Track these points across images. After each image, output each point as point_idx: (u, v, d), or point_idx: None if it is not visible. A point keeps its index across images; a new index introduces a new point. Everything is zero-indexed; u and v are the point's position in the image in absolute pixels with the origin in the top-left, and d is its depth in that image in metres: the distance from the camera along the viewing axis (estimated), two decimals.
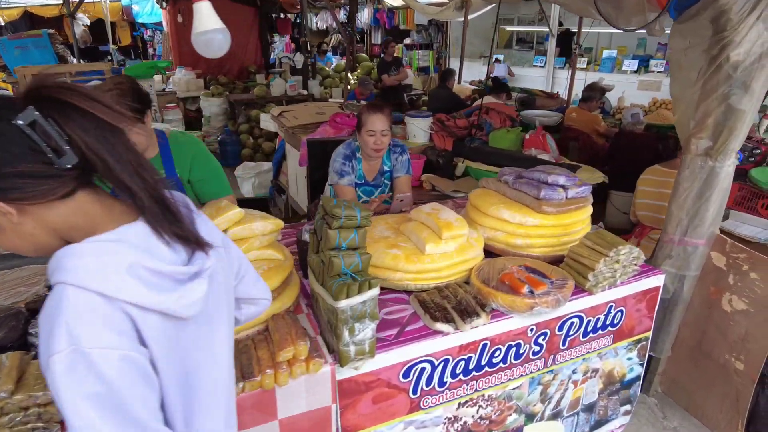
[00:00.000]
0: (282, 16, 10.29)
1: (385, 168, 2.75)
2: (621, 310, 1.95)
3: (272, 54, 10.14)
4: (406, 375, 1.59)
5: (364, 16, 11.47)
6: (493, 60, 10.45)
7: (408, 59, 11.03)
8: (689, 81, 2.16)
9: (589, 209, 2.10)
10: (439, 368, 1.64)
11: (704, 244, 2.29)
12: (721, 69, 2.04)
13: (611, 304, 1.90)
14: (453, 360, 1.65)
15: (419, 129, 3.89)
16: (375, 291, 1.42)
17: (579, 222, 2.05)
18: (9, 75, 6.45)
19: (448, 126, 3.88)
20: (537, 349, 1.80)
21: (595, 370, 2.02)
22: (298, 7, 9.52)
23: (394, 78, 7.07)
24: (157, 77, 8.29)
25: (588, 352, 1.95)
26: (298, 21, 9.27)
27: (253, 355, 1.40)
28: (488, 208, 2.10)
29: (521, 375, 1.82)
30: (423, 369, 1.61)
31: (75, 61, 6.52)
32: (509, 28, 11.50)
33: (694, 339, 2.41)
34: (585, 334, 1.90)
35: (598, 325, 1.92)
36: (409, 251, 1.83)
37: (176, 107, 6.08)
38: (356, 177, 2.70)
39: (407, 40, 11.97)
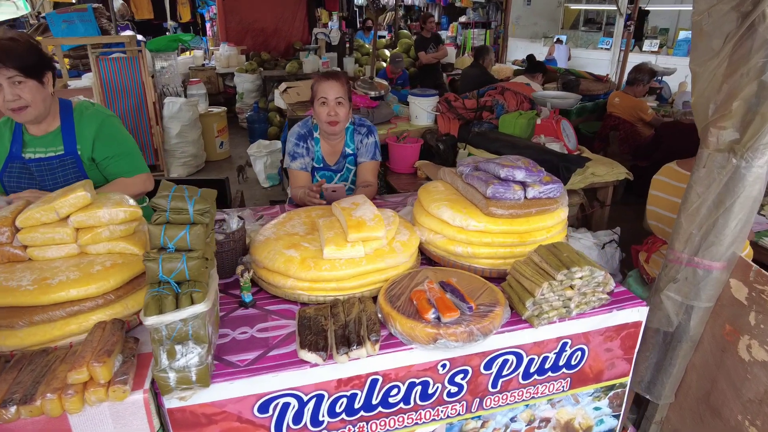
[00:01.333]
0: None
1: (348, 150, 2.39)
2: (581, 349, 1.50)
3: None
4: (263, 410, 1.27)
5: None
6: (554, 40, 9.62)
7: (463, 38, 10.41)
8: (711, 50, 1.61)
9: (560, 214, 1.65)
10: (311, 405, 1.30)
11: (721, 269, 1.75)
12: (755, 32, 1.49)
13: (565, 340, 1.46)
14: (329, 396, 1.30)
15: (421, 109, 3.47)
16: (198, 308, 1.11)
17: (541, 230, 1.61)
18: (58, 48, 6.66)
19: (455, 107, 3.43)
20: (454, 390, 1.41)
21: (546, 420, 1.59)
22: None
23: (432, 56, 6.58)
24: (199, 52, 8.35)
25: (533, 397, 1.52)
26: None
27: (49, 372, 1.13)
28: (430, 204, 1.71)
29: (433, 419, 1.44)
30: (287, 404, 1.28)
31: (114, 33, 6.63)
32: (575, 7, 10.51)
33: (701, 389, 1.88)
34: (527, 375, 1.47)
35: (547, 366, 1.48)
36: (309, 254, 1.49)
37: (199, 81, 5.99)
38: (314, 160, 2.36)
39: (463, 18, 11.29)
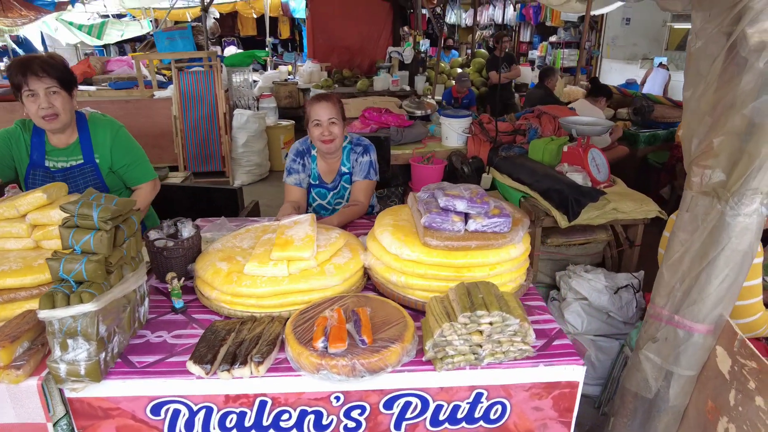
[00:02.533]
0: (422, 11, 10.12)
1: (344, 169, 2.40)
2: (501, 403, 1.36)
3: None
4: (155, 412, 1.32)
5: (509, 13, 10.69)
6: (657, 63, 8.89)
7: (552, 58, 9.99)
8: (698, 76, 1.42)
9: (508, 251, 1.52)
10: (201, 415, 1.32)
11: (704, 332, 1.50)
12: (737, 55, 1.29)
13: (480, 391, 1.34)
14: (218, 410, 1.32)
15: (452, 131, 3.39)
16: (84, 308, 1.19)
17: (482, 266, 1.50)
18: (161, 62, 7.49)
19: (487, 129, 3.30)
20: (352, 425, 1.35)
21: None
22: (434, 1, 9.28)
23: (504, 75, 6.40)
24: (284, 68, 8.88)
25: None
26: (437, 16, 9.01)
27: None
28: (377, 228, 1.67)
29: None
30: (178, 411, 1.32)
31: (208, 48, 7.31)
32: (682, 26, 9.61)
33: None
34: (436, 422, 1.37)
35: (460, 416, 1.37)
36: (237, 269, 1.53)
37: (271, 95, 6.37)
38: (311, 177, 2.41)
39: (553, 38, 10.83)
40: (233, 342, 1.34)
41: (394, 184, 3.30)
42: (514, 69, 6.45)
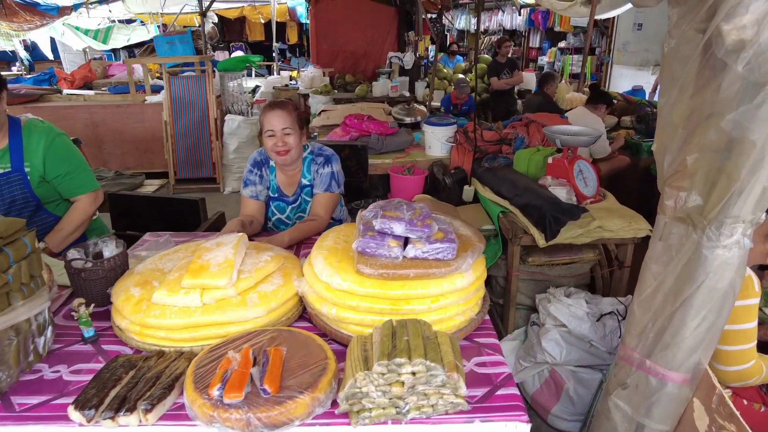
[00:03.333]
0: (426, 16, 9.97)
1: (304, 181, 2.24)
2: None
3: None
4: None
5: (517, 18, 10.47)
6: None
7: (561, 64, 9.74)
8: (672, 81, 1.22)
9: (453, 281, 1.34)
10: None
11: (679, 382, 1.30)
12: (713, 56, 1.09)
13: None
14: None
15: (436, 140, 3.21)
16: None
17: (422, 298, 1.32)
18: (161, 66, 7.44)
19: (472, 139, 3.12)
20: None
21: None
22: (439, 6, 9.11)
23: (505, 81, 6.21)
24: (285, 73, 8.78)
25: None
26: (434, 21, 8.83)
27: None
28: (314, 250, 1.50)
29: None
30: None
31: (207, 53, 7.23)
32: None
33: None
34: None
35: None
36: (150, 295, 1.37)
37: (264, 101, 6.25)
38: (269, 189, 2.26)
39: (562, 44, 10.57)
40: (128, 383, 1.18)
41: (373, 196, 3.13)
42: (516, 75, 6.24)
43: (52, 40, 10.64)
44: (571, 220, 2.19)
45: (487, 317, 1.53)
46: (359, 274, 1.33)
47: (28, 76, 7.88)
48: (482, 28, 12.37)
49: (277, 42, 11.23)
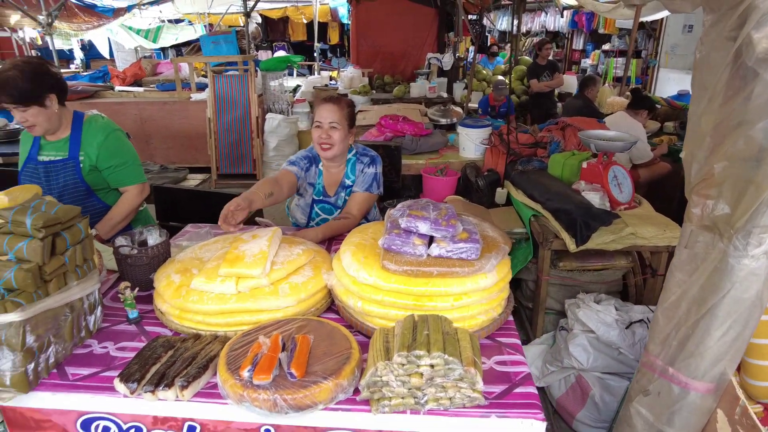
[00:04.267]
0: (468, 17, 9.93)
1: (347, 182, 2.29)
2: None
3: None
4: (85, 427, 1.27)
5: (560, 20, 10.27)
6: None
7: (604, 67, 9.50)
8: (703, 89, 1.22)
9: (476, 281, 1.37)
10: None
11: (703, 392, 1.29)
12: (743, 64, 1.09)
13: None
14: (148, 431, 1.25)
15: (470, 141, 3.22)
16: (10, 317, 1.16)
17: (444, 296, 1.36)
18: (206, 65, 7.72)
19: (507, 141, 3.12)
20: None
21: None
22: (479, 7, 9.06)
23: (545, 84, 6.13)
24: (325, 73, 8.93)
25: None
26: (474, 23, 8.80)
27: None
28: (342, 246, 1.57)
29: None
30: (107, 429, 1.27)
31: (250, 52, 7.45)
32: None
33: None
34: None
35: None
36: (189, 282, 1.46)
37: (304, 100, 6.39)
38: (315, 192, 2.31)
39: (606, 46, 10.30)
40: (167, 361, 1.27)
41: (405, 196, 3.17)
42: (557, 77, 6.15)
43: (109, 39, 11.19)
44: (602, 225, 2.18)
45: (511, 318, 1.56)
46: (385, 270, 1.38)
47: (84, 74, 8.32)
48: (524, 29, 12.20)
49: (318, 42, 11.41)
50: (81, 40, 10.81)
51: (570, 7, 8.99)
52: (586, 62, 10.79)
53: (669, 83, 9.05)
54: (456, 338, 1.19)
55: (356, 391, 1.20)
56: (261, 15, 12.50)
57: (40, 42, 10.55)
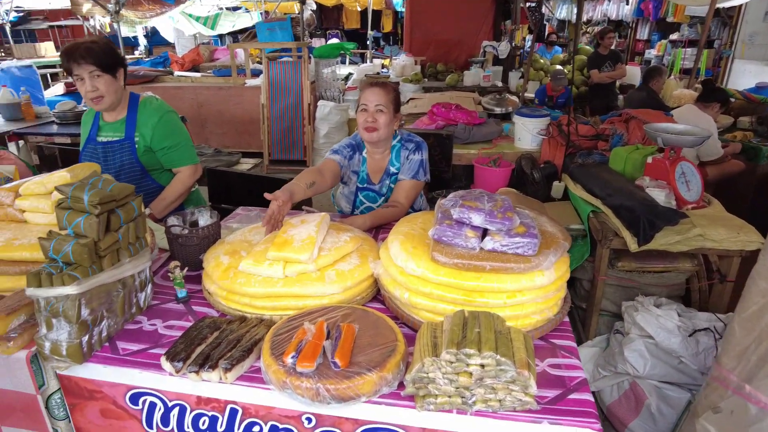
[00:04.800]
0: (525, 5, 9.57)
1: (392, 169, 2.25)
2: None
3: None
4: (134, 401, 1.30)
5: (624, 8, 9.72)
6: None
7: (671, 58, 8.93)
8: None
9: (533, 278, 1.30)
10: (175, 412, 1.28)
11: None
12: None
13: None
14: (191, 410, 1.27)
15: (526, 131, 3.09)
16: (67, 290, 1.19)
17: (497, 292, 1.29)
18: (261, 51, 7.85)
19: (566, 132, 2.97)
20: None
21: None
22: None
23: (607, 75, 5.82)
24: (378, 61, 8.88)
25: None
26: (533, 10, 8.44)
27: None
28: (390, 235, 1.52)
29: None
30: (154, 404, 1.29)
31: (304, 40, 7.51)
32: None
33: None
34: None
35: None
36: (238, 264, 1.47)
37: (355, 88, 6.37)
38: (358, 180, 2.28)
39: (674, 35, 9.65)
40: (213, 342, 1.28)
41: (455, 186, 3.09)
42: (619, 68, 5.82)
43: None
44: (667, 225, 2.02)
45: (567, 319, 1.47)
46: (434, 262, 1.33)
47: (146, 59, 8.64)
48: (585, 18, 11.66)
49: (372, 30, 11.36)
50: (145, 27, 11.23)
51: None
52: (651, 53, 10.18)
53: (744, 75, 8.39)
54: (509, 338, 1.12)
55: (401, 386, 1.16)
56: (316, 2, 12.55)
57: (108, 29, 11.05)
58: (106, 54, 2.02)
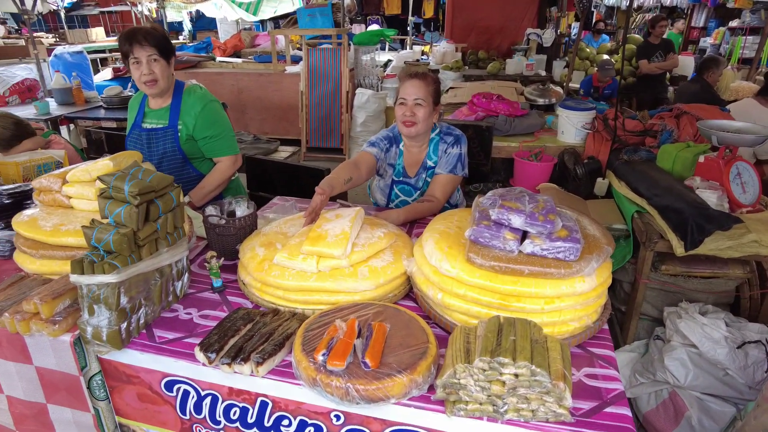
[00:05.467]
0: None
1: (429, 162, 2.21)
2: None
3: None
4: (168, 388, 1.33)
5: None
6: None
7: (729, 47, 8.43)
8: None
9: (573, 284, 1.25)
10: (208, 401, 1.31)
11: None
12: None
13: None
14: (222, 400, 1.29)
15: (570, 125, 2.98)
16: (107, 278, 1.23)
17: (535, 297, 1.25)
18: (302, 37, 7.86)
19: (612, 127, 2.85)
20: None
21: None
22: None
23: (657, 65, 5.54)
24: (417, 48, 8.75)
25: None
26: None
27: (23, 296, 1.39)
28: (425, 233, 1.50)
29: None
30: (187, 392, 1.32)
31: (344, 26, 7.45)
32: None
33: None
34: None
35: None
36: (273, 256, 1.48)
37: (394, 76, 6.30)
38: (394, 173, 2.26)
39: (734, 22, 9.07)
40: (246, 334, 1.29)
41: (493, 180, 3.02)
42: (671, 58, 5.53)
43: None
44: (718, 229, 1.91)
45: (606, 327, 1.41)
46: (469, 263, 1.29)
47: (190, 44, 8.81)
48: (636, 4, 11.12)
49: (413, 16, 11.22)
50: (190, 12, 11.45)
51: None
52: (707, 41, 9.62)
53: None
54: (545, 347, 1.08)
55: (431, 389, 1.14)
56: None
57: (155, 15, 11.32)
58: (165, 40, 2.11)
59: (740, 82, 5.00)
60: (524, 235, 1.29)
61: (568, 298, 1.26)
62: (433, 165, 2.20)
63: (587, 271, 1.25)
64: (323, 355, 1.14)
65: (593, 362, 1.28)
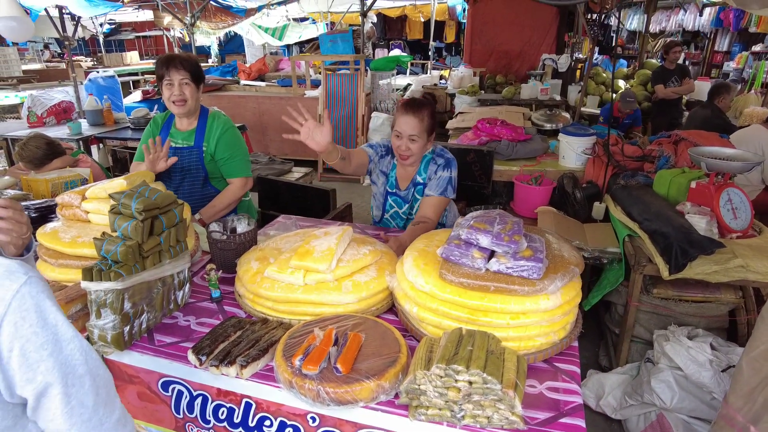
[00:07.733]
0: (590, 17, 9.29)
1: (419, 179, 2.33)
2: None
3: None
4: (164, 388, 1.46)
5: (701, 18, 9.18)
6: None
7: (752, 71, 8.33)
8: None
9: (537, 301, 1.33)
10: (199, 401, 1.43)
11: None
12: None
13: None
14: (212, 400, 1.41)
15: (570, 150, 3.06)
16: (112, 285, 1.37)
17: (500, 313, 1.34)
18: (322, 63, 8.15)
19: (613, 152, 2.91)
20: None
21: None
22: (607, 6, 8.43)
23: (672, 90, 5.55)
24: (436, 72, 8.94)
25: None
26: (606, 22, 8.18)
27: None
28: (407, 250, 1.60)
29: None
30: (181, 392, 1.44)
31: (364, 52, 7.72)
32: None
33: None
34: None
35: None
36: (265, 270, 1.60)
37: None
38: (388, 185, 2.40)
39: (757, 47, 8.98)
40: (235, 340, 1.41)
41: (494, 203, 3.11)
42: (686, 83, 5.54)
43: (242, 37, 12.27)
44: (701, 254, 1.95)
45: (575, 344, 1.48)
46: (441, 279, 1.39)
47: (217, 67, 9.20)
48: (658, 28, 11.13)
49: (434, 40, 11.47)
50: (218, 37, 11.96)
51: (713, 4, 7.99)
52: (730, 65, 9.55)
53: None
54: (501, 358, 1.17)
55: (397, 395, 1.23)
56: (380, 13, 12.85)
57: (187, 39, 11.88)
58: (197, 67, 2.33)
59: (754, 107, 4.97)
60: (492, 254, 1.38)
61: (533, 315, 1.34)
62: (422, 181, 2.32)
63: (551, 289, 1.33)
64: (300, 360, 1.25)
65: (557, 376, 1.35)
